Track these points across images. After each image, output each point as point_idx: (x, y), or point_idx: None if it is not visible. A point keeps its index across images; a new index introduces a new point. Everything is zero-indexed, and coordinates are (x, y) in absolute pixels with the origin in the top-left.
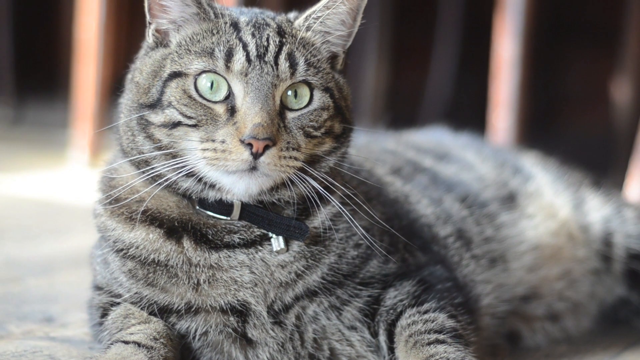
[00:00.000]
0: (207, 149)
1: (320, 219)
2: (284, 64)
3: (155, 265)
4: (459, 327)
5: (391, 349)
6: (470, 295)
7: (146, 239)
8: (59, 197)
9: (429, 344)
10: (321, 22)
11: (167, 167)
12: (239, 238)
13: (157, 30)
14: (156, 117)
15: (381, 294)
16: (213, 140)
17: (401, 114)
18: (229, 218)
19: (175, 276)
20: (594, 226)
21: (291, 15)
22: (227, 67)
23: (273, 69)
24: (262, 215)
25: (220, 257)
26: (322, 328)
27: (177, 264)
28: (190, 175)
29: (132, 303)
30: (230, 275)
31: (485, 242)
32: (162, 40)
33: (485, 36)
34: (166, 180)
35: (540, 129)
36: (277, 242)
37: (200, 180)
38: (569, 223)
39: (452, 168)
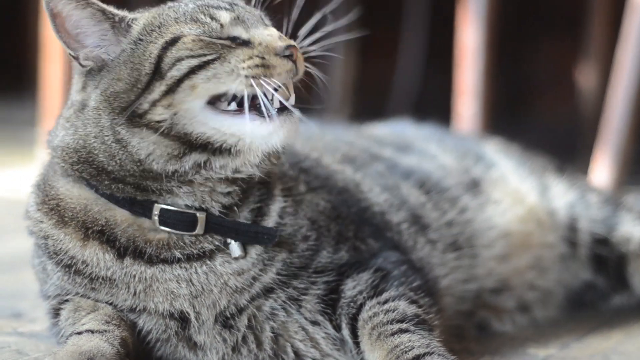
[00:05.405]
0: (256, 65)
1: (272, 218)
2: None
3: (102, 280)
4: (421, 312)
5: (357, 344)
6: (428, 277)
7: (102, 259)
8: (27, 195)
9: (392, 334)
10: None
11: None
12: (180, 253)
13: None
14: (153, 95)
15: (339, 283)
16: (257, 57)
17: (369, 105)
18: (192, 233)
19: (116, 287)
20: (559, 212)
21: None
22: (221, 25)
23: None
24: (228, 225)
25: (155, 271)
26: (282, 325)
27: (119, 277)
28: (197, 147)
29: (80, 296)
30: (166, 287)
31: (447, 226)
32: (98, 64)
33: (452, 26)
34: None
35: (507, 116)
36: (235, 249)
37: (207, 148)
38: (536, 208)
39: (414, 159)
